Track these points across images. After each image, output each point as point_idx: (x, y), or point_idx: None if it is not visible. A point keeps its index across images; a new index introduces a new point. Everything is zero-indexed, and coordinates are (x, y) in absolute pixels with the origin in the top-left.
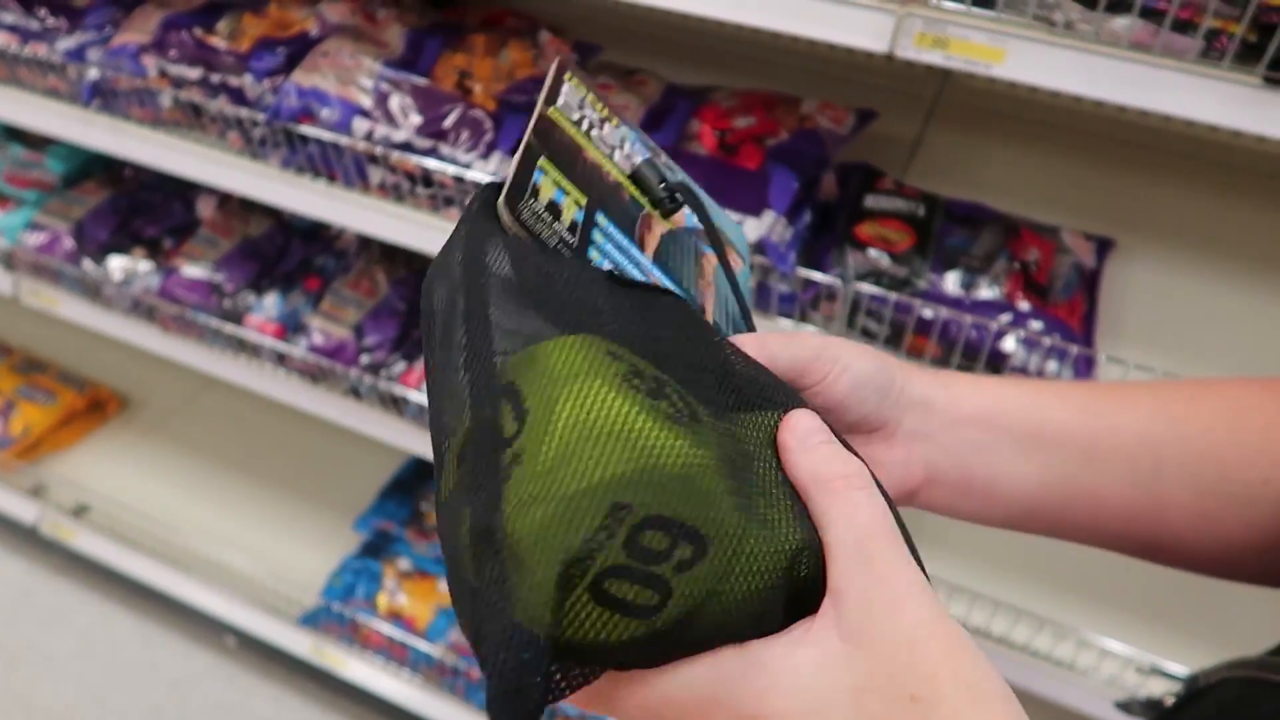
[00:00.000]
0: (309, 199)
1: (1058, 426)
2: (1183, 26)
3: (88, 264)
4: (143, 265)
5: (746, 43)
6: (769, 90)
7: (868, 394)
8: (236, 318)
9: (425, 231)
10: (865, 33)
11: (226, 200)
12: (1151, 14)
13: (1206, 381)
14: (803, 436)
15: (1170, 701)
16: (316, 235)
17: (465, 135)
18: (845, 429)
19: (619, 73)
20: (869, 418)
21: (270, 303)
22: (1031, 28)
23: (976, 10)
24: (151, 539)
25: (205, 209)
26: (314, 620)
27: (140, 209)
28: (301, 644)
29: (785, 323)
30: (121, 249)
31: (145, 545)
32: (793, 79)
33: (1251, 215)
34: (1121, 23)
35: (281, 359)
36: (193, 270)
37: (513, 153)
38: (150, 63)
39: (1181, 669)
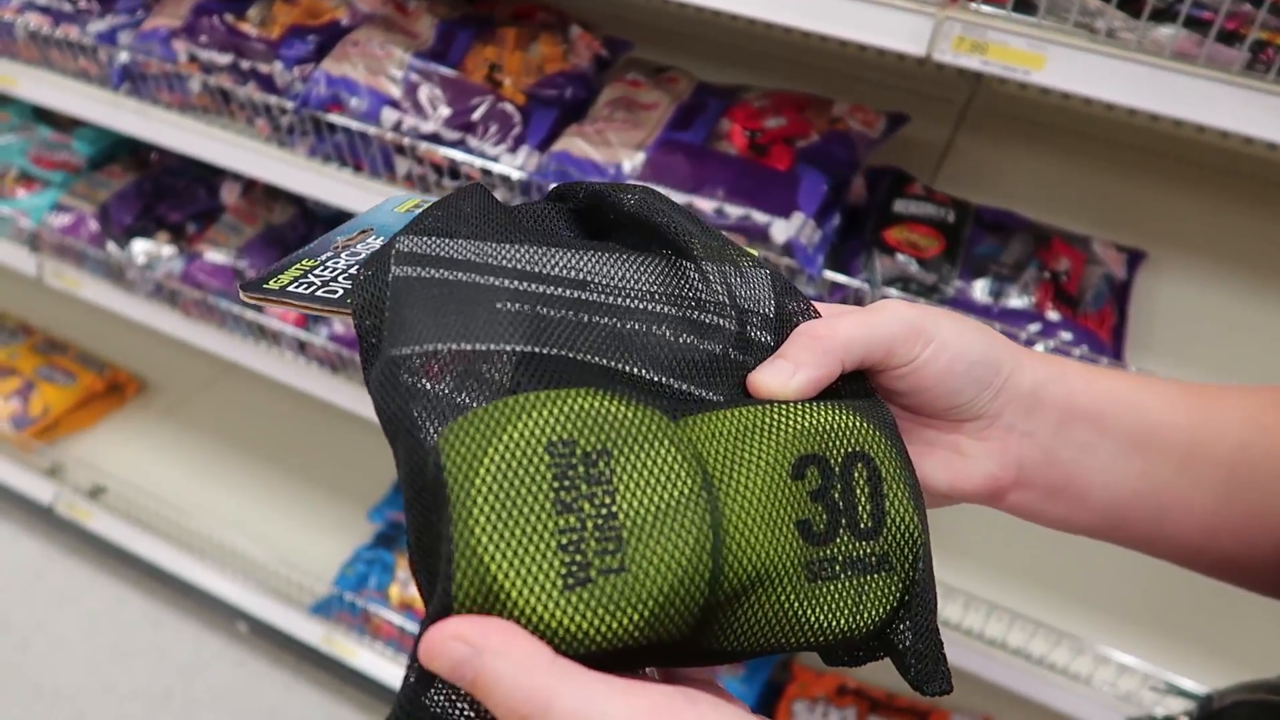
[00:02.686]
0: (335, 188)
1: (1162, 429)
2: (1228, 38)
3: (112, 247)
4: (166, 249)
5: (777, 42)
6: (800, 91)
7: (963, 378)
8: (258, 305)
9: None
10: (903, 35)
11: (250, 187)
12: (1197, 24)
13: None
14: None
15: None
16: (340, 223)
17: (494, 128)
18: (934, 413)
19: (649, 70)
20: (961, 409)
21: None
22: (1073, 34)
23: (1017, 15)
24: (166, 522)
25: (229, 195)
26: (326, 609)
27: (165, 193)
28: (312, 632)
29: None
30: (145, 233)
31: (159, 528)
32: (822, 80)
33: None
34: (1165, 32)
35: (302, 347)
36: (215, 256)
37: (541, 148)
38: (181, 47)
39: (1198, 687)
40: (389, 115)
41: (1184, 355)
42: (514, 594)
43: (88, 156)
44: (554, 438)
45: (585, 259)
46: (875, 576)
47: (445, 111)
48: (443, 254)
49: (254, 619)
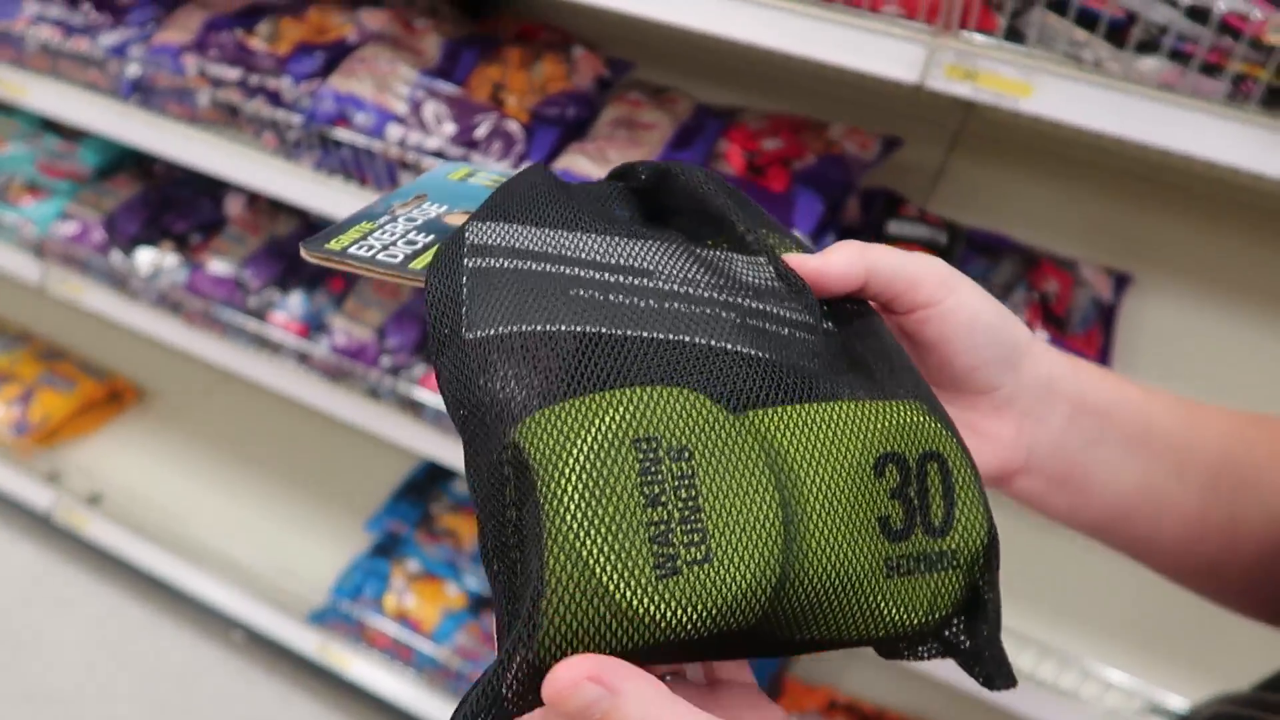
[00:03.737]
0: (340, 201)
1: (1161, 432)
2: (1210, 69)
3: (116, 256)
4: (170, 259)
5: (776, 65)
6: (797, 114)
7: (984, 342)
8: (260, 315)
9: None
10: (897, 63)
11: (255, 199)
12: (1179, 56)
13: (1265, 415)
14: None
15: None
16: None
17: (497, 145)
18: (953, 378)
19: (650, 90)
20: (980, 372)
21: (294, 301)
22: (1061, 64)
23: (1008, 44)
24: (163, 530)
25: (234, 207)
26: (322, 618)
27: (170, 204)
28: (308, 642)
29: None
30: (150, 242)
31: (157, 536)
32: (819, 103)
33: (1273, 256)
34: (1150, 63)
35: (303, 357)
36: (219, 266)
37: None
38: (190, 62)
39: (1181, 705)
40: (394, 131)
41: (1169, 377)
42: (609, 584)
43: (94, 166)
44: (638, 434)
45: (649, 249)
46: (947, 573)
47: (450, 128)
48: (513, 244)
49: (250, 628)
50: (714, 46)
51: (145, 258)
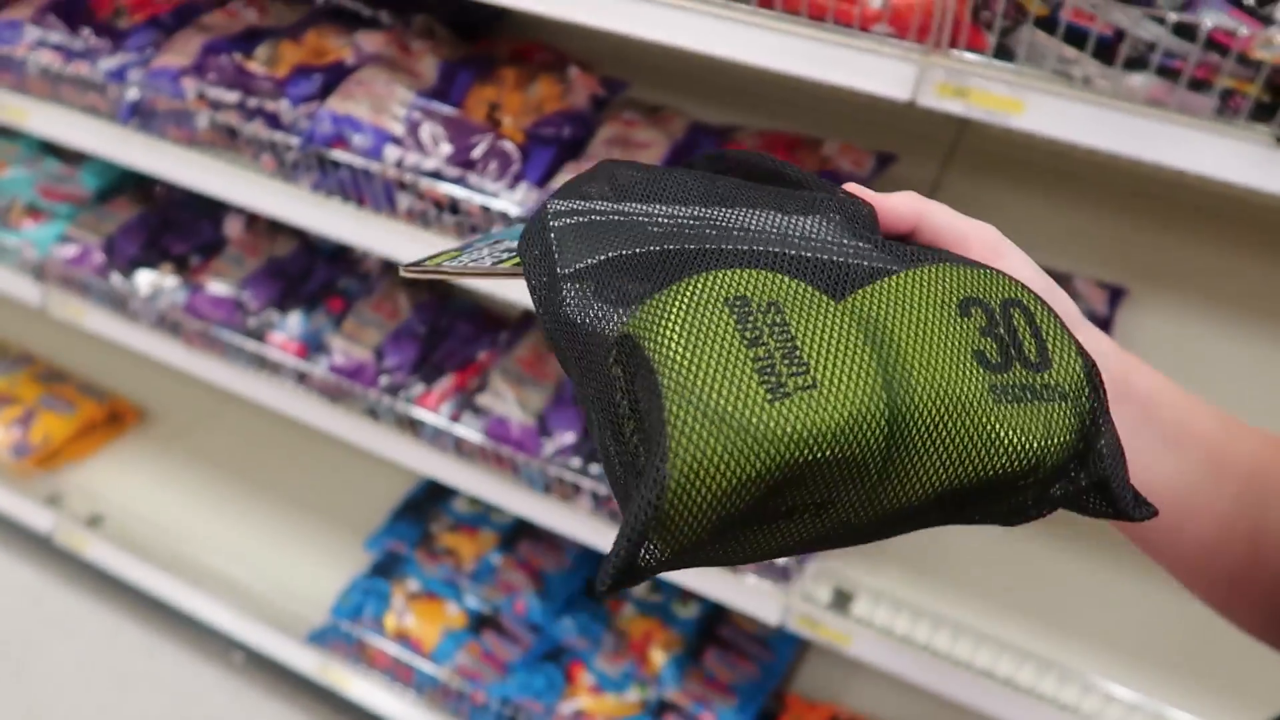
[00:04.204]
0: (338, 222)
1: (1199, 432)
2: (1198, 85)
3: (116, 278)
4: (170, 281)
5: (771, 84)
6: (791, 131)
7: None
8: (259, 336)
9: None
10: (890, 81)
11: (254, 221)
12: (1168, 72)
13: None
14: None
15: None
16: (341, 257)
17: (493, 165)
18: None
19: (645, 109)
20: None
21: (293, 322)
22: (1050, 81)
23: (997, 62)
24: (163, 551)
25: (233, 228)
26: (322, 638)
27: (170, 226)
28: (308, 662)
29: None
30: (150, 264)
31: (157, 557)
32: (813, 120)
33: (1264, 269)
34: (1138, 79)
35: (302, 377)
36: (218, 287)
37: (539, 185)
38: (189, 85)
39: (1188, 718)
40: (391, 152)
41: None
42: (726, 407)
43: (94, 189)
44: (729, 296)
45: (719, 208)
46: (1055, 404)
47: (446, 149)
48: (592, 207)
49: (250, 648)
50: (708, 65)
51: (145, 279)
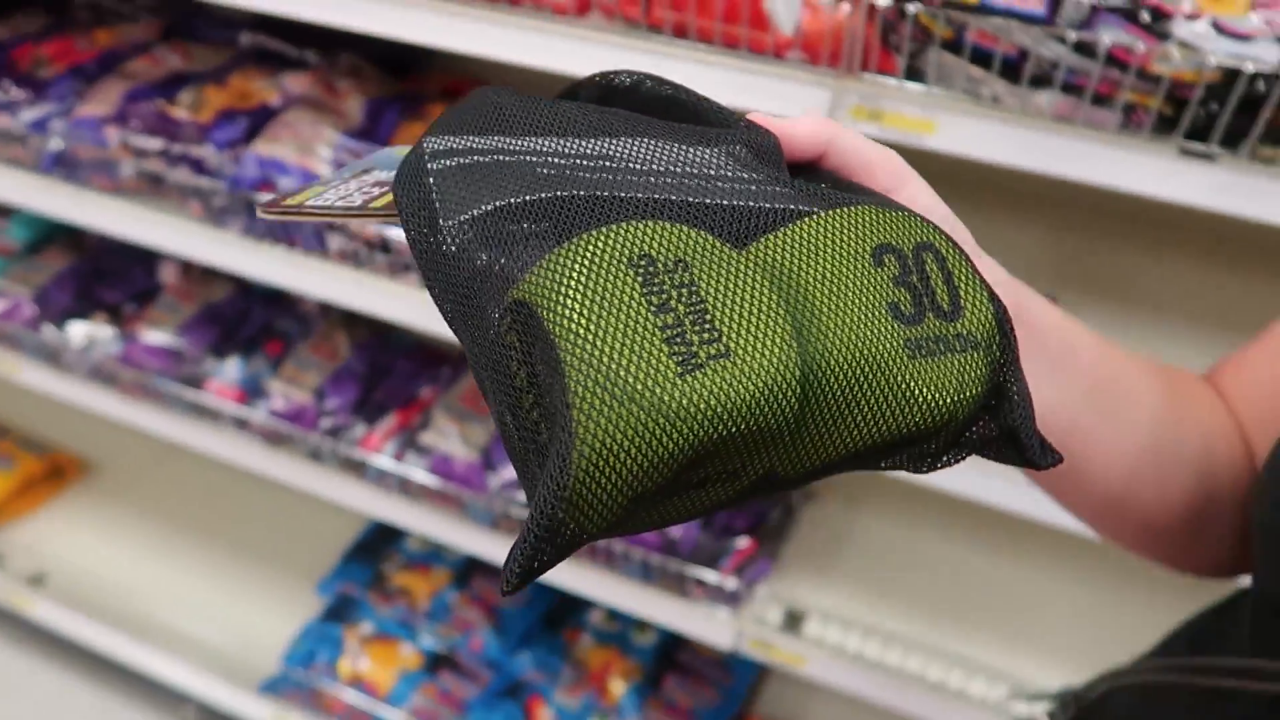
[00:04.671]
0: (270, 266)
1: (1080, 357)
2: (1102, 100)
3: (49, 330)
4: (104, 331)
5: None
6: None
7: None
8: (197, 383)
9: (384, 298)
10: (804, 106)
11: (189, 266)
12: (1072, 89)
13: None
14: None
15: None
16: (279, 299)
17: None
18: None
19: None
20: None
21: (231, 367)
22: (961, 101)
23: (909, 84)
24: (110, 607)
25: (168, 275)
26: (275, 688)
27: (102, 275)
28: (262, 712)
29: None
30: (83, 315)
31: (104, 614)
32: None
33: (1188, 275)
34: (1044, 97)
35: (242, 424)
36: (154, 336)
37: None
38: (112, 134)
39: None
40: None
41: None
42: (633, 383)
43: (24, 240)
44: (632, 254)
45: (611, 140)
46: (968, 355)
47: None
48: (472, 145)
49: (202, 702)
50: None
51: (78, 331)
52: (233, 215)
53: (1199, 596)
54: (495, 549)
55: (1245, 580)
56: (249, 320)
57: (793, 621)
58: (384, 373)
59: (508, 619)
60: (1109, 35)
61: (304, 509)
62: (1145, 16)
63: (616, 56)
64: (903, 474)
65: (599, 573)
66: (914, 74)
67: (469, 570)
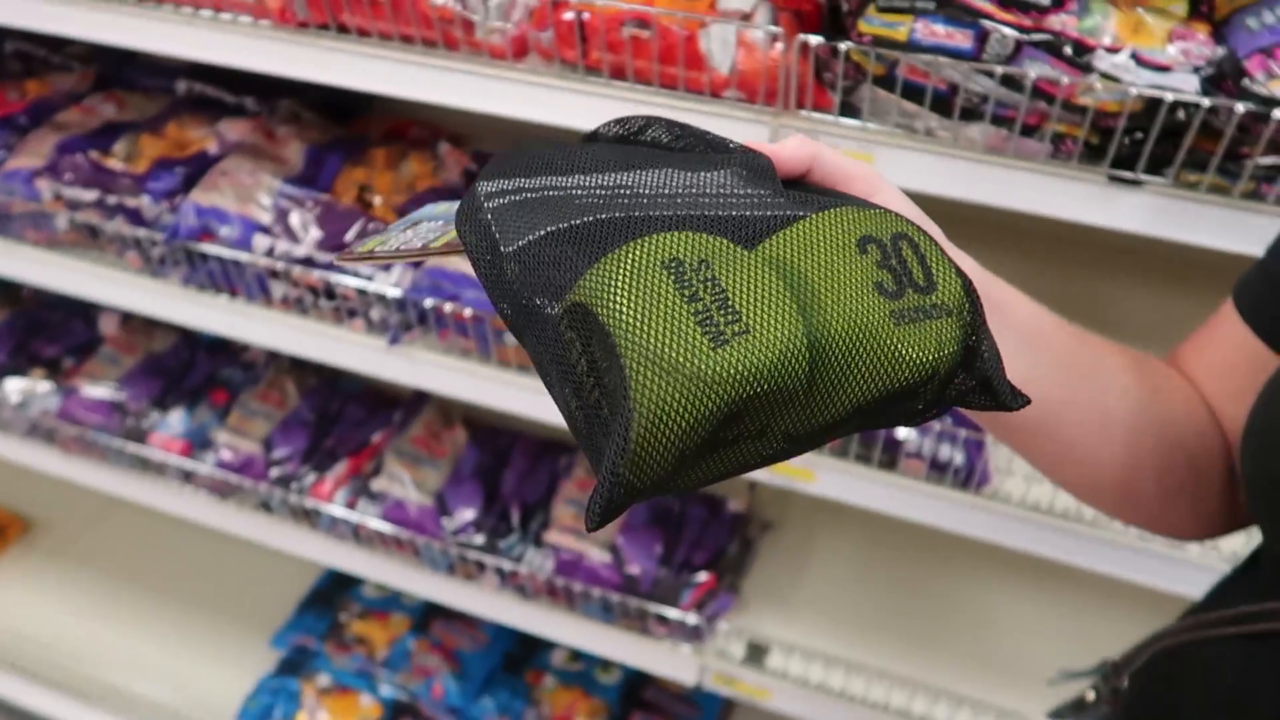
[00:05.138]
0: (212, 316)
1: (1047, 336)
2: (1031, 131)
3: None
4: (41, 386)
5: None
6: None
7: None
8: (140, 436)
9: (330, 343)
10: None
11: (129, 316)
12: (1002, 121)
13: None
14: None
15: (1092, 696)
16: (224, 347)
17: None
18: None
19: None
20: None
21: (175, 419)
22: (896, 135)
23: (844, 120)
24: (56, 671)
25: (108, 326)
26: None
27: (39, 329)
28: None
29: None
30: (19, 371)
31: (50, 678)
32: None
33: (1112, 290)
34: (976, 129)
35: (188, 476)
36: (94, 390)
37: (415, 263)
38: (45, 186)
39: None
40: (261, 241)
41: None
42: (677, 357)
43: None
44: (664, 259)
45: (632, 174)
46: (944, 320)
47: (317, 234)
48: (519, 186)
49: None
50: (580, 134)
51: (14, 387)
52: (172, 265)
53: (1167, 612)
54: (453, 594)
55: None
56: (193, 370)
57: (756, 654)
58: (334, 419)
59: (468, 664)
60: (1034, 69)
61: (255, 560)
62: (1068, 50)
63: (555, 98)
64: (859, 499)
65: (559, 613)
66: (849, 110)
67: (428, 615)
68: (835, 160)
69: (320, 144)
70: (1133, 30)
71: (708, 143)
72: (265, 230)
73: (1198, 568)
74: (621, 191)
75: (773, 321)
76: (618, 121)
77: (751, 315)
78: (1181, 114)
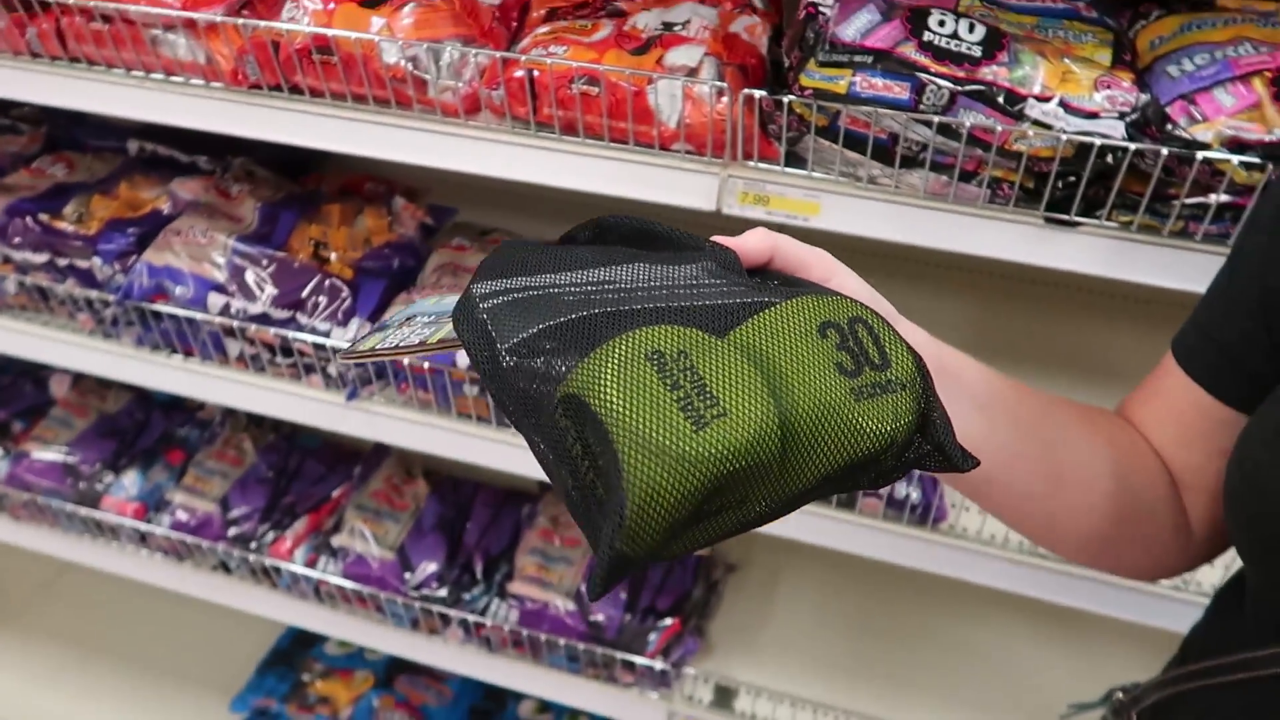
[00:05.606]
0: (167, 376)
1: (997, 396)
2: (969, 177)
3: None
4: None
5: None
6: None
7: None
8: (94, 499)
9: (288, 400)
10: (695, 194)
11: (82, 376)
12: (942, 167)
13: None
14: None
15: None
16: (179, 405)
17: (323, 303)
18: None
19: (475, 233)
20: None
21: (130, 481)
22: (840, 183)
23: (790, 170)
24: None
25: (59, 388)
26: None
27: None
28: None
29: None
30: None
31: None
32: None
33: (1044, 326)
34: (917, 176)
35: (144, 538)
36: (45, 454)
37: (372, 319)
38: None
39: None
40: (216, 300)
41: None
42: (665, 441)
43: None
44: (647, 351)
45: (611, 269)
46: (898, 394)
47: (272, 291)
48: (510, 287)
49: None
50: (534, 187)
51: None
52: (126, 326)
53: (1135, 641)
54: (417, 649)
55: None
56: (148, 430)
57: (724, 697)
58: (292, 475)
59: (435, 719)
60: (970, 118)
61: (214, 621)
62: (1001, 99)
63: (508, 153)
64: (819, 539)
65: (525, 664)
66: (795, 159)
67: (392, 671)
68: (794, 249)
69: (274, 201)
70: (1061, 79)
71: (678, 237)
72: (220, 289)
73: (1160, 598)
74: (604, 288)
75: (747, 404)
76: (592, 222)
77: (728, 399)
78: (1110, 158)
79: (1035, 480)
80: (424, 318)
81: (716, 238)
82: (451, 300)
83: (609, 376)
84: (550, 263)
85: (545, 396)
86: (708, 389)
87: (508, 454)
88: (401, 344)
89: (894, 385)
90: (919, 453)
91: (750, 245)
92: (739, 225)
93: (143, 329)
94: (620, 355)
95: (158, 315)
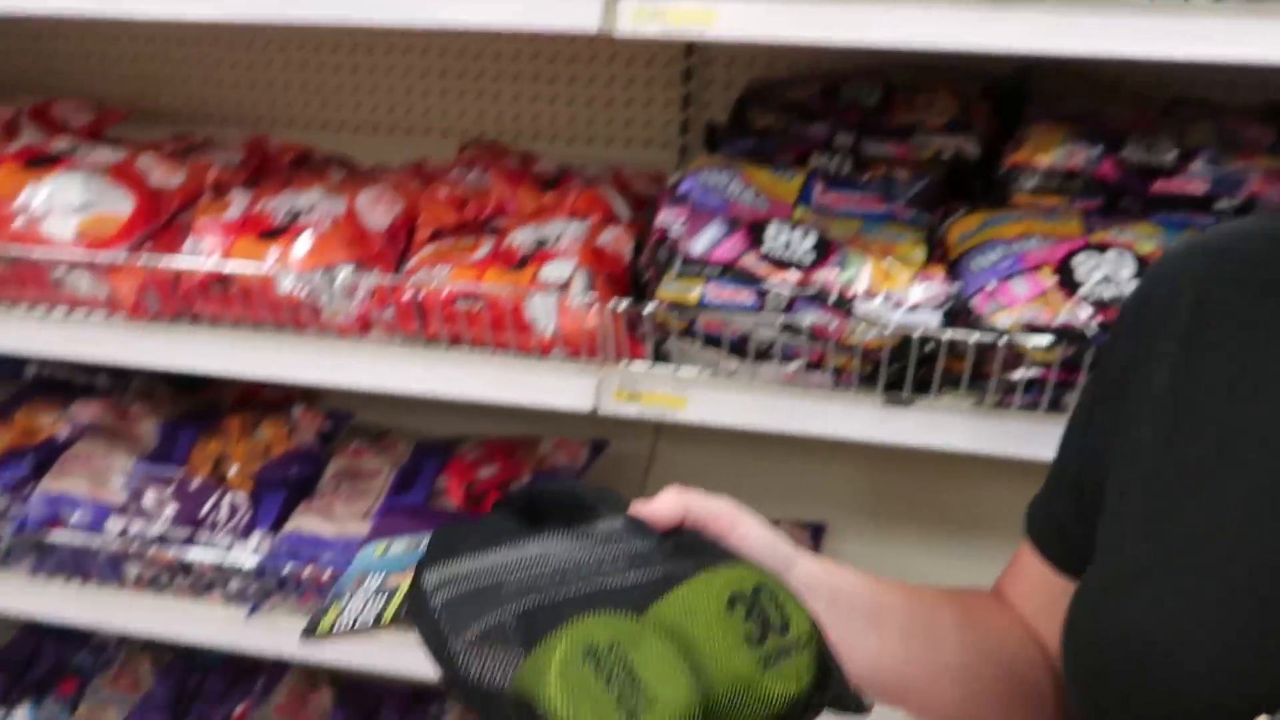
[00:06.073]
0: (61, 606)
1: (886, 609)
2: (814, 366)
3: None
4: None
5: (483, 401)
6: (511, 437)
7: (764, 555)
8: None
9: (188, 621)
10: (573, 395)
11: None
12: (790, 359)
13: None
14: None
15: None
16: (72, 631)
17: (223, 518)
18: None
19: (371, 435)
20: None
21: (21, 717)
22: (703, 377)
23: (658, 368)
24: None
25: None
26: None
27: None
28: None
29: None
30: None
31: None
32: (527, 424)
33: (924, 495)
34: (769, 368)
35: None
36: None
37: (275, 529)
38: None
39: None
40: (114, 524)
41: None
42: None
43: None
44: (583, 647)
45: (541, 545)
46: (800, 655)
47: (171, 510)
48: (457, 573)
49: None
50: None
51: None
52: (19, 555)
53: None
54: None
55: None
56: (39, 660)
57: None
58: (193, 695)
59: None
60: (809, 317)
61: None
62: (833, 300)
63: (400, 367)
64: None
65: None
66: (663, 357)
67: None
68: (700, 506)
69: (174, 418)
70: (884, 277)
71: (599, 500)
72: (119, 512)
73: None
74: (539, 573)
75: (672, 689)
76: (519, 494)
77: (656, 686)
78: (931, 345)
79: (920, 679)
80: (375, 574)
81: (633, 508)
82: (397, 551)
83: (552, 678)
84: (485, 541)
85: (494, 690)
86: (637, 678)
87: (414, 658)
88: (359, 621)
89: (796, 646)
90: (822, 701)
91: (662, 514)
92: (615, 423)
93: (37, 559)
94: (561, 656)
95: (53, 545)
